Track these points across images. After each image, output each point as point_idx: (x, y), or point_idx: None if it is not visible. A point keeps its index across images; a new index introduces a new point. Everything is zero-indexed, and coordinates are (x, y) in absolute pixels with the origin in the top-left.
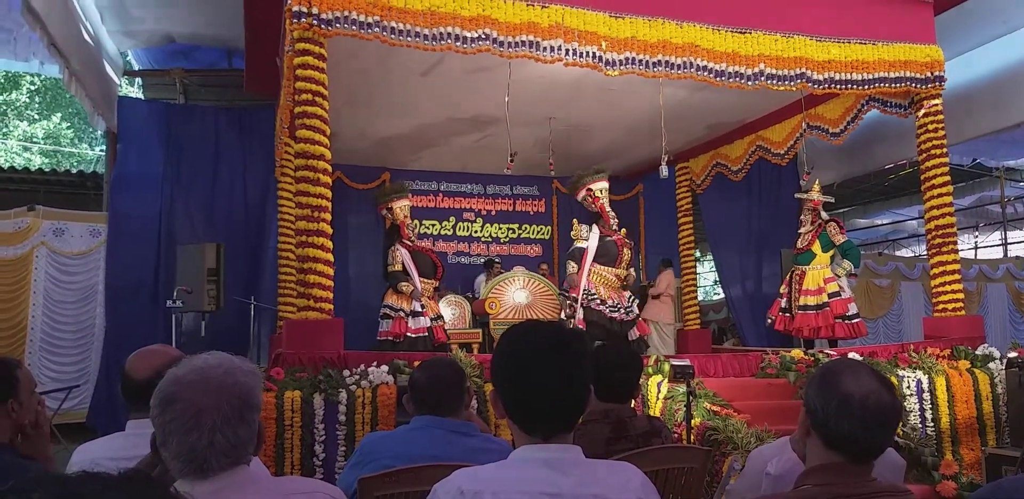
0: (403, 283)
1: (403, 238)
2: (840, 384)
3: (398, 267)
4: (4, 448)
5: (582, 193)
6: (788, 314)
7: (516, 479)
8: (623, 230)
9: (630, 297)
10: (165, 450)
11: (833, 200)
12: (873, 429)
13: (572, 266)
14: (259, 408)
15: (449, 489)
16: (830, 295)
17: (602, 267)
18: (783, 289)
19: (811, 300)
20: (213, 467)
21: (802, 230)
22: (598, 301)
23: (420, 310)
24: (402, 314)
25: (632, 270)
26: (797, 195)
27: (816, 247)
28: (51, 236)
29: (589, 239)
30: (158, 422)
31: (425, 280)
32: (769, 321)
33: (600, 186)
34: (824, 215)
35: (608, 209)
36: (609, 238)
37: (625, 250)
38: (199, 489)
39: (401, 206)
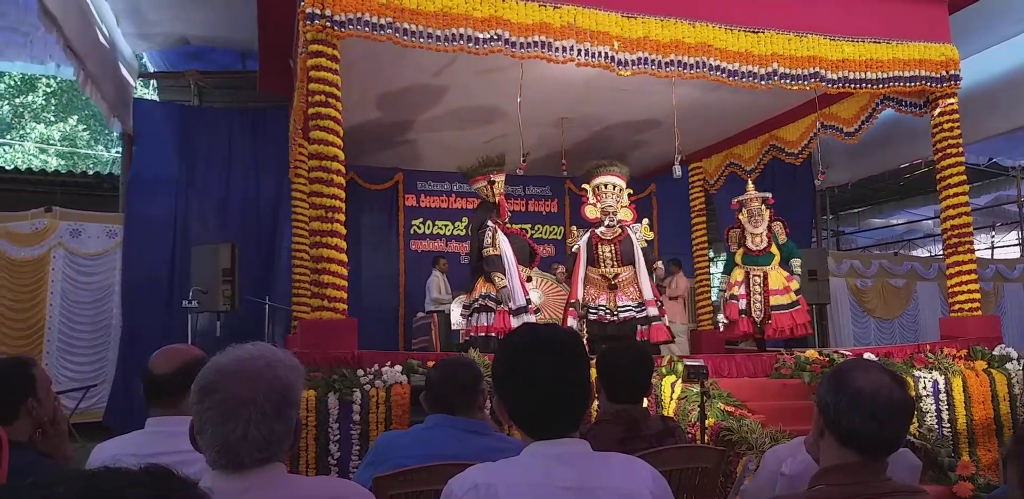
0: (498, 274)
1: (501, 218)
2: (851, 380)
3: (496, 252)
4: (24, 446)
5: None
6: (748, 316)
7: (528, 473)
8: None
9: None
10: (201, 439)
11: (768, 194)
12: (884, 423)
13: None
14: (297, 404)
15: (463, 483)
16: (796, 293)
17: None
18: (737, 291)
19: (783, 299)
20: (245, 462)
21: (756, 230)
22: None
23: (525, 305)
24: (505, 308)
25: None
26: (738, 198)
27: (773, 247)
28: (68, 237)
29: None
30: (196, 409)
31: (521, 268)
32: (723, 323)
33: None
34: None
35: (607, 205)
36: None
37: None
38: (232, 485)
39: (501, 181)
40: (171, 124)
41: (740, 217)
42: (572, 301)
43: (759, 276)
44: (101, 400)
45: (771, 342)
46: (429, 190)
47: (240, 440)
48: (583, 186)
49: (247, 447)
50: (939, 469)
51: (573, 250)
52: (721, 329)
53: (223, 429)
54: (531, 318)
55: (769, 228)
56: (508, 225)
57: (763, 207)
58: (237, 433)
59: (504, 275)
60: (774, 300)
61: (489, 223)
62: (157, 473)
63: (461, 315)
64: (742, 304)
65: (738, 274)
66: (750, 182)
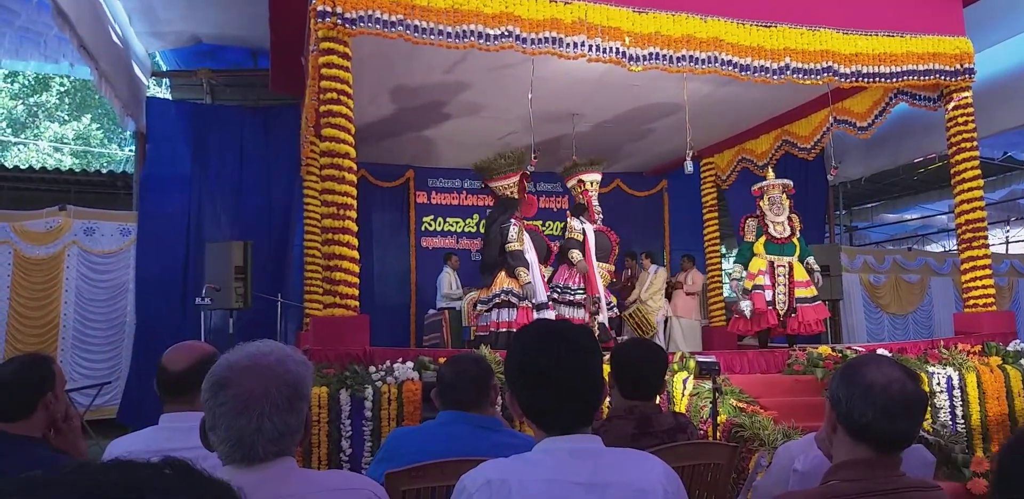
0: (521, 268)
1: (521, 213)
2: (863, 374)
3: (521, 246)
4: (39, 443)
5: (572, 181)
6: (772, 308)
7: (541, 469)
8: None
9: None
10: (214, 434)
11: (790, 182)
12: (896, 417)
13: (576, 254)
14: (308, 398)
15: (476, 479)
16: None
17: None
18: (762, 281)
19: (807, 292)
20: (259, 455)
21: (779, 218)
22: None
23: (545, 302)
24: (527, 304)
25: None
26: (759, 185)
27: (795, 238)
28: (82, 235)
29: (585, 232)
30: (209, 405)
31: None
32: (748, 311)
33: (592, 178)
34: None
35: (595, 203)
36: (600, 232)
37: (615, 246)
38: (246, 479)
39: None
40: (184, 122)
41: (761, 204)
42: (595, 296)
43: (784, 267)
44: (115, 397)
45: (777, 338)
46: (440, 187)
47: (255, 433)
48: (581, 178)
49: (262, 439)
50: (953, 465)
51: (579, 238)
52: (748, 316)
53: (237, 422)
54: (550, 314)
55: (789, 218)
56: (524, 221)
57: (784, 195)
58: (252, 426)
59: (527, 270)
60: (799, 292)
61: (513, 219)
62: (176, 465)
63: (476, 308)
64: (768, 295)
65: (760, 263)
66: (771, 169)
